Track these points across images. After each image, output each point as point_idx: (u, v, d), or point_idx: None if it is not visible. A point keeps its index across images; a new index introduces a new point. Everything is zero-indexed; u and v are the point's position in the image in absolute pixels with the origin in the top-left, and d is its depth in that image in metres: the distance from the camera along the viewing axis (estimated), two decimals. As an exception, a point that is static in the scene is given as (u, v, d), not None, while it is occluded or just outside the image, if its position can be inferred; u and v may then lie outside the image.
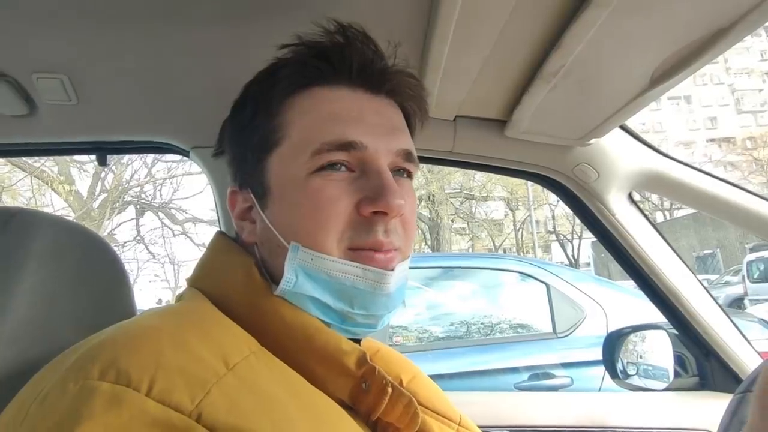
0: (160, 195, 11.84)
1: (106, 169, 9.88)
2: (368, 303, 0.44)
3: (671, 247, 1.04)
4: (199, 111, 0.84)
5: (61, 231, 0.53)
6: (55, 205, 9.97)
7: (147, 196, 11.53)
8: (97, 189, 10.28)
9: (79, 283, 0.54)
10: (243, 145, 0.49)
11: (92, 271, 0.57)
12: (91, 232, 0.60)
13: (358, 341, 0.48)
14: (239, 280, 0.44)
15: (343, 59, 0.47)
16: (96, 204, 10.06)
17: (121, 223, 11.38)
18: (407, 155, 0.48)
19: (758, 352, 1.05)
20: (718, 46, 0.52)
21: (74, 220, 0.63)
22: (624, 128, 0.92)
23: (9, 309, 0.44)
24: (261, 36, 0.69)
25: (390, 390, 0.41)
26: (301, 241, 0.43)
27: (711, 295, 1.06)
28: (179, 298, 0.46)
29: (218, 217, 0.95)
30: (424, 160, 0.95)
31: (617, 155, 0.91)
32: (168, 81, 0.79)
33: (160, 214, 11.58)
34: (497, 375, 2.19)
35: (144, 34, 0.68)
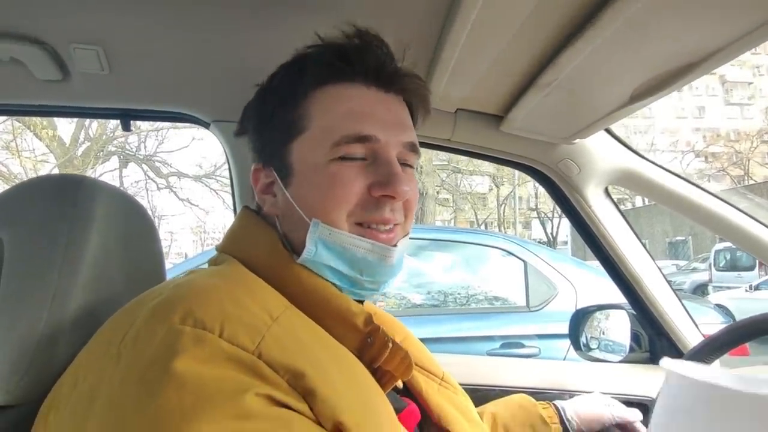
0: (144, 147, 11.64)
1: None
2: (375, 271, 0.52)
3: (638, 237, 1.16)
4: (223, 87, 0.90)
5: (114, 198, 0.61)
6: (36, 150, 9.74)
7: (131, 147, 11.33)
8: (81, 136, 10.03)
9: (126, 242, 0.62)
10: (267, 129, 0.56)
11: (135, 234, 0.65)
12: (134, 199, 0.68)
13: (361, 303, 0.57)
14: (266, 249, 0.52)
15: (361, 60, 0.54)
16: (79, 152, 9.84)
17: (103, 173, 11.17)
18: (412, 147, 0.56)
19: (703, 334, 1.20)
20: (688, 77, 0.62)
21: (118, 187, 0.69)
22: (607, 130, 1.02)
23: (83, 261, 0.53)
24: (285, 25, 0.76)
25: (390, 345, 0.49)
26: (320, 217, 0.51)
27: (668, 282, 1.19)
28: (212, 262, 0.54)
29: (232, 187, 1.02)
30: (424, 146, 1.03)
31: (598, 154, 1.02)
32: (195, 57, 0.84)
33: (144, 166, 11.41)
34: (471, 342, 2.35)
35: (176, 11, 0.73)
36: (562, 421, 0.81)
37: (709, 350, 0.88)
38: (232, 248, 0.54)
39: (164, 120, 1.03)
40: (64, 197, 0.55)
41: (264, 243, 0.53)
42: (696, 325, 1.19)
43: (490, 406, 0.83)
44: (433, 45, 0.74)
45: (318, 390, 0.40)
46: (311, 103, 0.53)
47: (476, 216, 22.45)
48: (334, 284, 0.52)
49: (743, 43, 0.55)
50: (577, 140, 0.96)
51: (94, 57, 0.81)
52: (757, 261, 9.60)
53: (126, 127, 0.97)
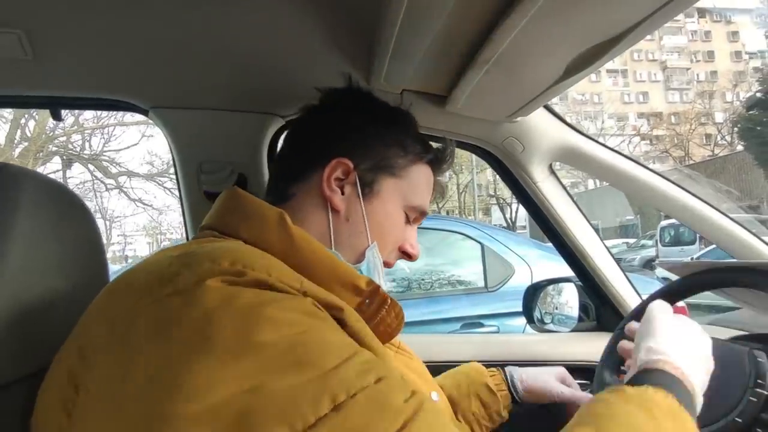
0: (90, 146, 11.06)
1: (26, 116, 9.06)
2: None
3: (581, 212, 1.22)
4: (161, 71, 0.86)
5: (41, 185, 0.57)
6: (-34, 152, 9.05)
7: (75, 147, 10.73)
8: (17, 136, 9.41)
9: (58, 233, 0.59)
10: (374, 147, 0.65)
11: (68, 223, 0.62)
12: (66, 187, 0.64)
13: None
14: (275, 222, 0.54)
15: (446, 160, 0.73)
16: (16, 153, 9.23)
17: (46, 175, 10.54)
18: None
19: (644, 302, 1.27)
20: (615, 49, 0.65)
21: (50, 177, 0.65)
22: (548, 108, 1.05)
23: (11, 249, 0.49)
24: (224, 5, 0.74)
25: (389, 300, 0.56)
26: (377, 242, 0.63)
27: (611, 254, 1.26)
28: (198, 239, 0.55)
29: (177, 176, 0.99)
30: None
31: (540, 131, 1.05)
32: (128, 39, 0.80)
33: (91, 166, 10.85)
34: (432, 325, 2.40)
35: None
36: (509, 388, 0.84)
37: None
38: (230, 227, 0.55)
39: (99, 108, 0.98)
40: None
41: (272, 216, 0.55)
42: (638, 294, 1.26)
43: (439, 378, 0.85)
44: (373, 25, 0.74)
45: (350, 324, 0.45)
46: (416, 168, 0.68)
47: (437, 204, 22.77)
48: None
49: (661, 15, 0.58)
50: (519, 118, 0.99)
51: (15, 41, 0.76)
52: (697, 236, 10.28)
53: (56, 117, 0.92)
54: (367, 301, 0.55)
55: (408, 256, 0.69)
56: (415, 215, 0.68)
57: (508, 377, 0.86)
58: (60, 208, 0.61)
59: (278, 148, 0.69)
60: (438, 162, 0.71)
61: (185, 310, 0.38)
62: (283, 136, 0.69)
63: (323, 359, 0.37)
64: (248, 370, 0.35)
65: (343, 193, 0.62)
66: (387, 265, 0.66)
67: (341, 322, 0.44)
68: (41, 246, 0.55)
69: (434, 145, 0.73)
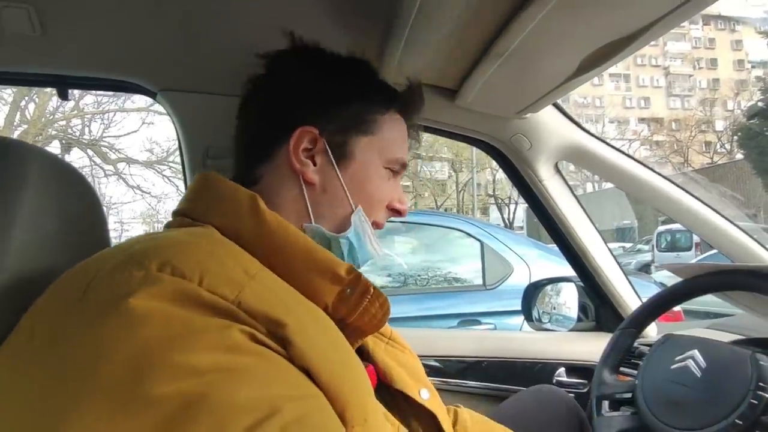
0: (90, 131, 11.00)
1: (26, 99, 9.00)
2: (364, 259, 0.61)
3: (585, 212, 1.22)
4: (171, 53, 0.85)
5: (46, 162, 0.57)
6: (-35, 133, 8.99)
7: (74, 131, 10.67)
8: (17, 119, 9.35)
9: (63, 210, 0.59)
10: (336, 106, 0.59)
11: (72, 200, 0.61)
12: (71, 166, 0.64)
13: None
14: (246, 207, 0.51)
15: (416, 108, 0.66)
16: (15, 135, 9.18)
17: (44, 159, 10.47)
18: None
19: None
20: (627, 49, 0.65)
21: (55, 154, 0.65)
22: (557, 107, 1.05)
23: (15, 225, 0.49)
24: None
25: (372, 289, 0.51)
26: (362, 206, 0.59)
27: (613, 255, 1.26)
28: (174, 225, 0.53)
29: (182, 161, 0.98)
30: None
31: (548, 129, 1.05)
32: (139, 19, 0.79)
33: (90, 151, 10.79)
34: (430, 320, 2.41)
35: None
36: None
37: (648, 313, 0.94)
38: (201, 212, 0.52)
39: (106, 89, 0.97)
40: None
41: (244, 200, 0.52)
42: (638, 296, 1.27)
43: (464, 412, 0.77)
44: (386, 17, 0.74)
45: (295, 339, 0.40)
46: (386, 119, 0.62)
47: (436, 202, 22.78)
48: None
49: (677, 16, 0.58)
50: (528, 115, 0.99)
51: (24, 16, 0.75)
52: (693, 242, 10.33)
53: (63, 96, 0.91)
54: (348, 290, 0.50)
55: (398, 212, 0.64)
56: (396, 168, 0.63)
57: None
58: (65, 185, 0.60)
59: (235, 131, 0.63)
60: (407, 107, 0.65)
61: (87, 333, 0.36)
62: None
63: (227, 424, 0.33)
64: (133, 429, 0.32)
65: (315, 164, 0.57)
66: (377, 225, 0.62)
67: (284, 341, 0.39)
68: (46, 222, 0.54)
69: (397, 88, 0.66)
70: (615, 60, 0.72)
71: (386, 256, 0.66)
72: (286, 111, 0.58)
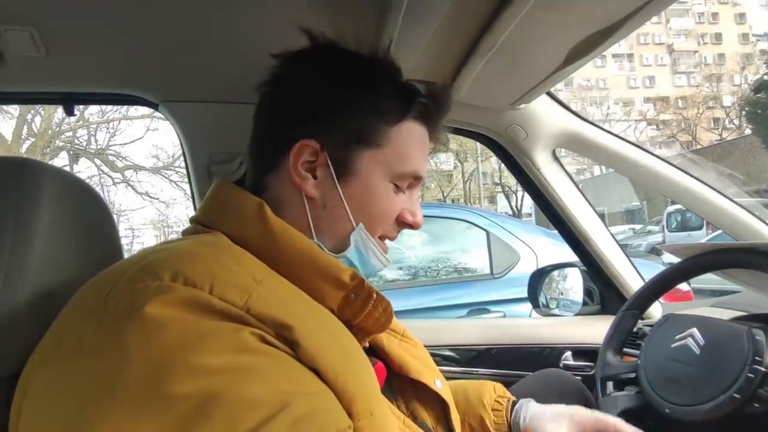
0: (96, 140, 11.12)
1: (32, 112, 9.10)
2: (370, 273, 0.59)
3: (585, 197, 1.23)
4: (171, 65, 0.88)
5: (59, 179, 0.60)
6: (-26, 149, 9.12)
7: (81, 142, 10.80)
8: (24, 132, 9.47)
9: (78, 224, 0.62)
10: (339, 118, 0.56)
11: (86, 215, 0.64)
12: (81, 179, 0.67)
13: None
14: (253, 213, 0.53)
15: (437, 108, 0.60)
16: (23, 149, 9.30)
17: (53, 170, 10.59)
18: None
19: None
20: (612, 38, 0.67)
21: (67, 170, 0.68)
22: (551, 95, 1.06)
23: (34, 244, 0.52)
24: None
25: (375, 295, 0.52)
26: (364, 223, 0.57)
27: (614, 239, 1.27)
28: (188, 232, 0.55)
29: (187, 169, 1.01)
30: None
31: (543, 118, 1.06)
32: (138, 35, 0.81)
33: (97, 160, 10.91)
34: (439, 311, 2.43)
35: None
36: (509, 427, 0.74)
37: (649, 294, 0.96)
38: (212, 220, 0.55)
39: (110, 103, 1.00)
40: (7, 180, 0.54)
41: (251, 208, 0.53)
42: (642, 278, 1.28)
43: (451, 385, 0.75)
44: (376, 15, 0.76)
45: (302, 341, 0.42)
46: (399, 129, 0.57)
47: (443, 193, 22.74)
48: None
49: (657, 4, 0.59)
50: (522, 105, 1.00)
51: (28, 39, 0.78)
52: (704, 221, 10.19)
53: (69, 112, 0.94)
54: (352, 295, 0.51)
55: (409, 226, 0.61)
56: (408, 182, 0.59)
57: (513, 415, 0.75)
58: (78, 202, 0.63)
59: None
60: (428, 114, 0.59)
61: (110, 339, 0.38)
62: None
63: (240, 419, 0.35)
64: (156, 427, 0.35)
65: (315, 177, 0.56)
66: (389, 238, 0.60)
67: (291, 343, 0.42)
68: (61, 240, 0.57)
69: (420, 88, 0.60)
70: (602, 48, 0.73)
71: (396, 250, 0.66)
72: (288, 123, 0.56)
